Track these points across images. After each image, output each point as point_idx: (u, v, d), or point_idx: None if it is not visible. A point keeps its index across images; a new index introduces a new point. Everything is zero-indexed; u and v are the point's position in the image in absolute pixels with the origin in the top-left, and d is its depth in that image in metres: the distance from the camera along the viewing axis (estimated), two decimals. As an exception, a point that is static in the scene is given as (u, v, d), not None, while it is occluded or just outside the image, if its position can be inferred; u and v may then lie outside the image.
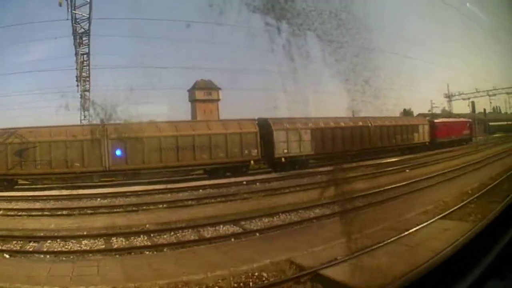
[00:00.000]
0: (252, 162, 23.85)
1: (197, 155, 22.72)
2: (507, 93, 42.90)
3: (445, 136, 35.91)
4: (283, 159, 24.23)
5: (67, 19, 20.79)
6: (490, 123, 49.47)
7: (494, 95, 42.10)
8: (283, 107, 18.63)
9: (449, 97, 40.76)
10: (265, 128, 24.32)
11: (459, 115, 44.43)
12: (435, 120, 36.11)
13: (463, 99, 41.59)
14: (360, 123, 27.72)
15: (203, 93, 45.95)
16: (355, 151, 26.96)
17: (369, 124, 28.16)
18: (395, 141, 30.16)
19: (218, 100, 46.18)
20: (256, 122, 24.47)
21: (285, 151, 24.29)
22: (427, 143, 33.66)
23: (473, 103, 40.28)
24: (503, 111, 50.11)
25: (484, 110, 42.19)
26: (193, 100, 45.50)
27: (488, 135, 45.44)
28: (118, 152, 20.96)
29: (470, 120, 40.42)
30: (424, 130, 33.38)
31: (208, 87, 45.72)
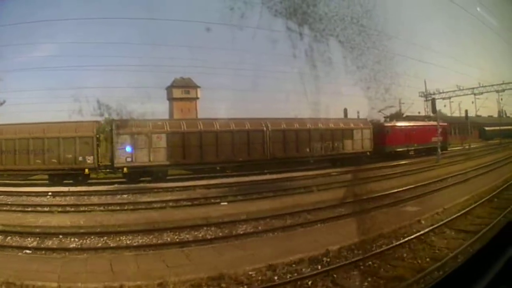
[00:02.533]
0: (86, 170, 19.33)
1: (31, 159, 19.21)
2: (496, 91, 32.91)
3: (401, 144, 27.94)
4: (125, 169, 19.32)
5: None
6: (486, 128, 39.48)
7: (481, 93, 32.54)
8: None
9: (425, 96, 32.14)
10: (108, 132, 19.73)
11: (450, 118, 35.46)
12: (386, 124, 28.26)
13: (443, 98, 32.61)
14: (248, 126, 21.70)
15: (180, 91, 43.22)
16: (237, 163, 21.09)
17: (264, 128, 21.98)
18: (309, 150, 23.43)
19: (196, 98, 43.01)
20: (97, 124, 19.92)
21: (129, 159, 19.36)
22: (368, 153, 26.20)
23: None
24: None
25: (466, 111, 32.61)
26: (170, 99, 42.77)
27: (483, 141, 36.21)
28: None
29: (445, 124, 31.56)
30: (364, 136, 25.97)
31: (186, 85, 42.80)
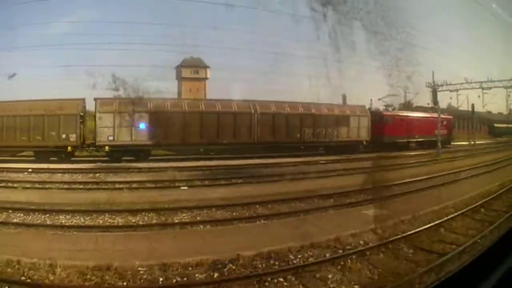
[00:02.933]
0: (69, 148, 19.37)
1: (17, 136, 19.47)
2: (505, 87, 30.33)
3: (401, 135, 26.47)
4: (106, 148, 19.23)
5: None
6: (496, 125, 36.62)
7: (489, 88, 30.09)
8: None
9: (432, 87, 30.04)
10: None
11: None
12: (385, 113, 26.76)
13: (450, 90, 30.45)
14: (235, 108, 21.00)
15: (189, 71, 42.97)
16: (222, 145, 20.57)
17: (252, 110, 21.22)
18: (300, 136, 22.56)
19: (205, 78, 42.75)
20: (81, 103, 19.79)
21: (110, 138, 19.22)
22: (364, 142, 25.04)
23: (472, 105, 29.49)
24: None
25: (472, 105, 30.30)
26: (179, 78, 42.65)
27: (492, 138, 33.80)
28: None
29: (450, 117, 29.62)
30: (360, 124, 24.74)
31: (195, 65, 42.41)
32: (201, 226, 8.54)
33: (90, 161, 19.60)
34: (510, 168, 19.57)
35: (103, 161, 19.51)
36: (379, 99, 26.71)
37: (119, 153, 19.49)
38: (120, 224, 8.61)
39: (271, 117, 21.68)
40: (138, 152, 19.59)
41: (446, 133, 28.94)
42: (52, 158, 19.42)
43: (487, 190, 12.63)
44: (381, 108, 28.24)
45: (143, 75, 43.48)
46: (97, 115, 19.21)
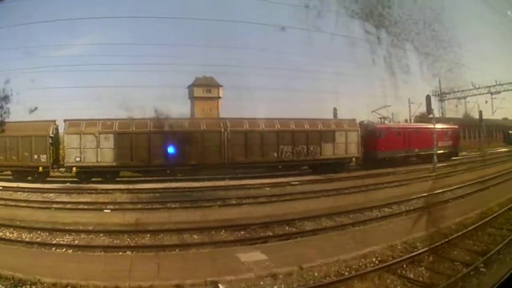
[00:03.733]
0: (40, 168, 19.65)
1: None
2: None
3: (398, 149, 24.01)
4: (74, 169, 19.23)
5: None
6: (511, 132, 35.06)
7: (498, 92, 26.55)
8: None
9: (440, 95, 27.23)
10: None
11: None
12: (378, 125, 24.40)
13: (458, 98, 27.36)
14: (203, 127, 20.15)
15: (202, 90, 43.22)
16: (189, 166, 19.76)
17: (221, 129, 20.22)
18: (277, 155, 21.10)
19: (218, 97, 42.71)
20: (52, 124, 20.09)
21: (77, 159, 19.20)
22: (354, 159, 22.96)
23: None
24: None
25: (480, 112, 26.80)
26: (191, 97, 43.08)
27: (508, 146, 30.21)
28: None
29: (455, 126, 26.46)
30: (348, 139, 22.73)
31: (207, 84, 42.72)
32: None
33: (60, 182, 19.83)
34: (509, 184, 16.93)
35: (71, 182, 19.63)
36: (373, 111, 24.54)
37: (87, 174, 19.41)
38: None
39: (243, 135, 20.51)
40: (104, 174, 19.38)
41: (452, 144, 26.01)
42: (29, 178, 19.92)
43: (468, 218, 10.86)
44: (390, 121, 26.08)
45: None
46: (65, 136, 19.36)
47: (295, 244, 9.35)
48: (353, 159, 22.96)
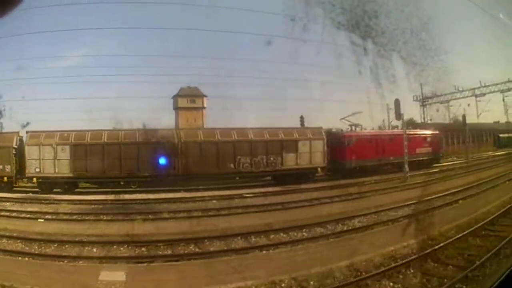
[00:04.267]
0: (5, 178, 20.54)
1: None
2: (501, 91, 23.98)
3: (369, 157, 22.79)
4: (34, 180, 19.95)
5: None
6: (501, 135, 34.82)
7: (483, 94, 24.25)
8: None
9: (422, 100, 25.48)
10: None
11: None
12: (346, 133, 23.21)
13: (441, 102, 25.49)
14: (157, 137, 20.15)
15: (186, 100, 43.43)
16: (142, 178, 19.86)
17: (175, 140, 20.11)
18: (234, 166, 20.70)
19: (203, 108, 42.99)
20: (17, 135, 20.88)
21: (37, 170, 19.89)
22: (319, 169, 22.10)
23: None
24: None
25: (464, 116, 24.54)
26: (176, 108, 43.60)
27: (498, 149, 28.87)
28: None
29: (436, 132, 24.61)
30: (313, 148, 21.85)
31: (192, 94, 42.79)
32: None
33: (24, 192, 20.65)
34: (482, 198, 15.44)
35: (33, 192, 20.39)
36: (342, 119, 23.42)
37: (47, 184, 20.04)
38: None
39: (198, 145, 20.30)
40: (63, 184, 19.93)
41: (432, 151, 24.31)
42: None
43: (407, 246, 9.14)
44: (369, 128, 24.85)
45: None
46: (26, 147, 20.06)
47: (170, 267, 9.03)
48: (319, 169, 22.08)
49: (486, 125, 33.50)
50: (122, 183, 19.92)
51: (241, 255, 9.87)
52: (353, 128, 23.60)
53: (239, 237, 11.43)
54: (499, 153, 31.86)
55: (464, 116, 25.66)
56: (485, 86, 24.76)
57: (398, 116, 20.55)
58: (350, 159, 22.38)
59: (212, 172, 20.41)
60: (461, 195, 15.92)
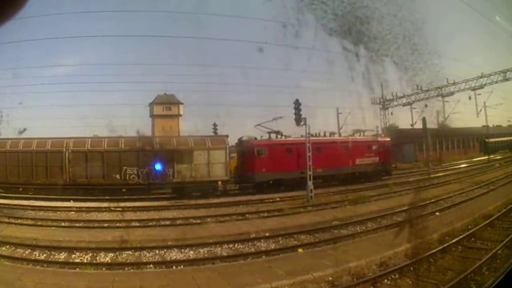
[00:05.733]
0: None
1: None
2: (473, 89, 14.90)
3: (287, 170, 17.87)
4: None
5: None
6: (487, 140, 30.65)
7: (452, 93, 15.80)
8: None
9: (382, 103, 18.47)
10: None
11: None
12: (255, 142, 18.37)
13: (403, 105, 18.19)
14: (48, 147, 19.65)
15: (162, 108, 42.90)
16: (36, 185, 19.75)
17: (63, 149, 19.29)
18: (120, 177, 18.79)
19: (179, 115, 42.22)
20: None
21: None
22: (220, 182, 18.44)
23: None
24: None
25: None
26: (152, 115, 43.45)
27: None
28: None
29: (386, 139, 17.39)
30: (212, 159, 18.20)
31: (168, 101, 42.26)
32: None
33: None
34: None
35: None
36: (256, 125, 18.82)
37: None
38: None
39: (84, 155, 19.08)
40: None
41: (380, 161, 17.69)
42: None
43: None
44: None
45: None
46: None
47: None
48: (219, 182, 18.40)
49: (474, 130, 30.12)
50: (20, 189, 20.25)
51: None
52: (272, 136, 18.78)
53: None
54: (479, 160, 27.77)
55: (424, 120, 18.10)
56: (453, 84, 16.64)
57: (298, 120, 15.13)
58: (260, 172, 17.88)
59: (99, 182, 18.95)
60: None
